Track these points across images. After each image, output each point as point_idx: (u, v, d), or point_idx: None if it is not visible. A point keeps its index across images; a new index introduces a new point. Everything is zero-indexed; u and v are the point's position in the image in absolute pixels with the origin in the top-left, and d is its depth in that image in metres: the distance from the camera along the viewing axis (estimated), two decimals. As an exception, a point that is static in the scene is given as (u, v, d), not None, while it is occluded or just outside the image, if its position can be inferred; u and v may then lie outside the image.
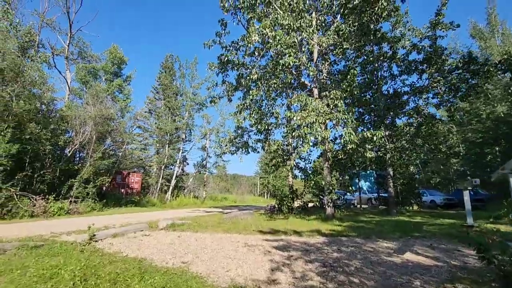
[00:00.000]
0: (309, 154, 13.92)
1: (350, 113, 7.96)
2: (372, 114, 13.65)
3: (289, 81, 11.11)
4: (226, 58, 11.25)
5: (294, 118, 7.80)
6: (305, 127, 7.48)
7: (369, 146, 8.09)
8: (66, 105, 14.83)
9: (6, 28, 14.86)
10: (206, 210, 16.86)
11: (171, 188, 25.56)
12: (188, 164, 31.53)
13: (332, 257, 5.09)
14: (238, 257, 5.05)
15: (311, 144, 7.74)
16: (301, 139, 8.26)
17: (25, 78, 11.78)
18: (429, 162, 13.53)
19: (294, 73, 11.37)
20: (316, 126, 7.47)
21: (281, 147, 12.38)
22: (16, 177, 11.26)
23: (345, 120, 7.66)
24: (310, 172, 12.34)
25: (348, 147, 7.40)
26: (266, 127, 11.16)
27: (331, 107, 8.10)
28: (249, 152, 13.93)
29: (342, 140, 7.61)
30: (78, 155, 15.68)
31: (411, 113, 12.68)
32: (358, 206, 21.03)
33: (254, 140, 12.77)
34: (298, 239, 6.72)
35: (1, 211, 10.35)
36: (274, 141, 12.47)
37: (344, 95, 8.81)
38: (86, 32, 27.18)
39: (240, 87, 12.08)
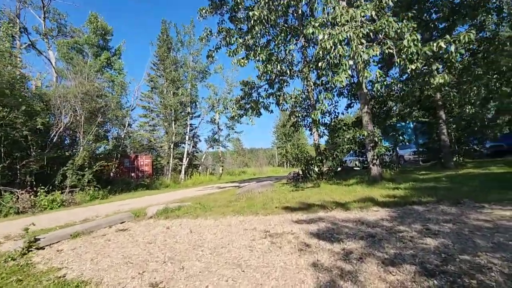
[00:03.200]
0: (335, 106, 11.22)
1: (404, 20, 5.17)
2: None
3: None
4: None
5: (321, 38, 5.15)
6: (340, 47, 4.87)
7: (439, 66, 5.30)
8: (37, 83, 12.71)
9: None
10: (221, 186, 14.88)
11: (183, 167, 23.86)
12: (200, 140, 29.68)
13: (426, 247, 2.72)
14: (254, 262, 2.81)
15: (345, 78, 5.09)
16: (330, 72, 5.62)
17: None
18: (491, 99, 10.53)
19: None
20: (355, 43, 4.82)
21: (300, 99, 9.79)
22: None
23: (398, 30, 4.89)
24: (339, 126, 9.75)
25: (409, 68, 4.71)
26: (279, 74, 8.52)
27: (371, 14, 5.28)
28: (260, 113, 11.43)
29: (398, 62, 4.87)
30: (67, 140, 13.81)
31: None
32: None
33: (265, 95, 10.16)
34: (346, 215, 4.38)
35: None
36: (290, 94, 9.86)
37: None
38: (60, 1, 23.66)
39: (239, 28, 9.32)
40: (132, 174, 21.47)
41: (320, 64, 5.52)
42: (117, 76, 18.29)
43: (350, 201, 5.22)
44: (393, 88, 8.11)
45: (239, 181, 21.02)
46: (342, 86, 5.29)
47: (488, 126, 11.18)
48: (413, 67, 4.62)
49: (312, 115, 5.41)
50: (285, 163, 60.70)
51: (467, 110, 10.52)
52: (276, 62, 8.61)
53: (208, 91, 40.31)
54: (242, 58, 9.24)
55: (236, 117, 11.94)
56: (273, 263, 2.74)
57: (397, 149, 20.74)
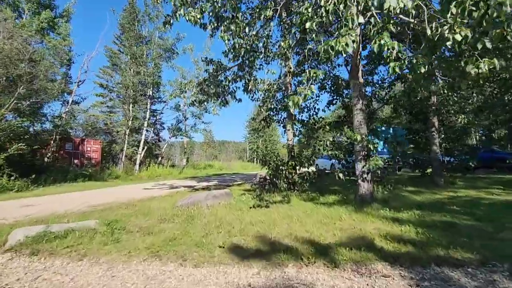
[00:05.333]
0: (315, 100, 9.37)
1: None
2: None
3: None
4: None
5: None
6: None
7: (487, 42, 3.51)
8: None
9: None
10: (174, 184, 12.57)
11: (139, 157, 21.00)
12: (164, 128, 26.75)
13: None
14: None
15: (352, 42, 3.05)
16: (323, 37, 3.62)
17: None
18: (485, 109, 9.41)
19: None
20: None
21: (274, 87, 7.82)
22: None
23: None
24: (319, 125, 7.93)
25: (451, 39, 2.91)
26: (250, 50, 6.41)
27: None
28: (226, 102, 9.28)
29: (433, 30, 3.01)
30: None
31: None
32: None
33: (231, 78, 7.98)
34: (334, 282, 2.46)
35: None
36: (263, 79, 7.85)
37: None
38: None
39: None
40: (76, 161, 18.31)
41: (308, 24, 3.53)
42: (61, 41, 15.00)
43: (336, 244, 3.33)
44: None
45: (201, 177, 18.76)
46: (344, 55, 3.30)
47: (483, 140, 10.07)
48: (461, 36, 2.81)
49: (290, 102, 3.39)
50: (255, 159, 59.19)
51: (460, 120, 9.23)
52: (248, 36, 6.51)
53: (174, 73, 37.10)
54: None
55: (197, 103, 9.65)
56: None
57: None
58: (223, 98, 9.28)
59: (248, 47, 6.16)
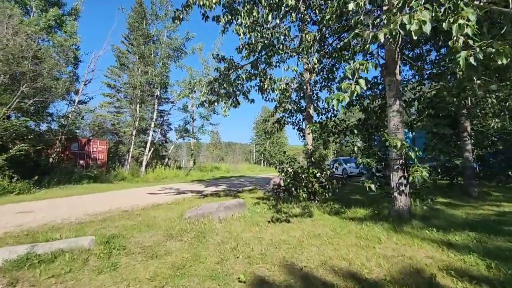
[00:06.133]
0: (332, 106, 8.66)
1: None
2: None
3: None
4: None
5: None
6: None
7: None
8: None
9: None
10: (181, 188, 11.97)
11: (145, 158, 20.52)
12: (171, 129, 26.27)
13: None
14: None
15: (430, 18, 2.30)
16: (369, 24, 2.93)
17: None
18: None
19: None
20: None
21: (292, 86, 7.12)
22: None
23: None
24: (339, 128, 7.19)
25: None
26: (267, 46, 5.76)
27: None
28: (238, 102, 8.63)
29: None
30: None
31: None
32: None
33: (245, 77, 7.31)
34: None
35: None
36: (280, 77, 7.16)
37: None
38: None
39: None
40: (81, 162, 17.94)
41: (352, 5, 2.81)
42: (67, 39, 14.62)
43: (385, 280, 2.63)
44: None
45: (208, 180, 18.16)
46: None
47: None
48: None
49: (334, 100, 2.65)
50: (262, 161, 58.44)
51: (493, 124, 8.39)
52: (265, 30, 5.86)
53: (182, 73, 36.75)
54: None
55: (206, 104, 9.01)
56: None
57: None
58: (234, 99, 8.66)
59: (266, 41, 5.50)
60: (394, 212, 4.67)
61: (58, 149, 15.51)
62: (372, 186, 4.78)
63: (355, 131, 6.25)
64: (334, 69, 8.13)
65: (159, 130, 23.44)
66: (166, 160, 25.07)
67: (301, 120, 9.70)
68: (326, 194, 5.81)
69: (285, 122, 9.42)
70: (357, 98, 9.47)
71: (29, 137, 11.98)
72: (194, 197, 8.84)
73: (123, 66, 23.53)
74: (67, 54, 13.13)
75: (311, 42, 4.99)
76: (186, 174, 22.49)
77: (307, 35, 5.00)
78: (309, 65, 6.75)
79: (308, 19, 7.71)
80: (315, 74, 6.30)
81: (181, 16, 8.01)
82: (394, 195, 4.64)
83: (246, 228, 4.51)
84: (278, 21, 6.04)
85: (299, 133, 9.20)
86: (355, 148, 5.22)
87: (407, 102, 9.31)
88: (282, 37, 5.71)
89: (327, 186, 5.91)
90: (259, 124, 58.01)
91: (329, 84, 9.35)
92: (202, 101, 8.81)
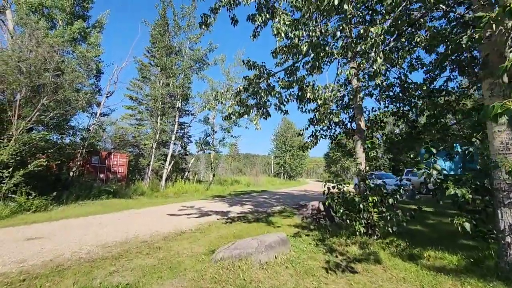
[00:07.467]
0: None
1: None
2: None
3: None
4: None
5: None
6: None
7: None
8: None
9: None
10: (204, 207, 11.00)
11: (165, 171, 19.89)
12: (191, 142, 25.70)
13: None
14: None
15: None
16: None
17: None
18: None
19: None
20: None
21: (338, 93, 6.05)
22: None
23: None
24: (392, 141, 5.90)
25: None
26: (314, 45, 4.76)
27: None
28: (268, 114, 7.64)
29: None
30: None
31: None
32: (418, 197, 14.75)
33: (282, 84, 6.34)
34: None
35: None
36: (326, 84, 6.11)
37: None
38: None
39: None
40: (101, 176, 17.56)
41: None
42: (88, 51, 14.42)
43: None
44: None
45: (230, 196, 17.16)
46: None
47: None
48: None
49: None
50: (282, 173, 56.94)
51: None
52: (312, 27, 4.88)
53: (203, 85, 36.69)
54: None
55: (234, 117, 8.04)
56: None
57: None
58: (264, 110, 7.68)
59: (315, 40, 4.50)
60: (506, 264, 3.38)
61: (79, 163, 15.15)
62: (467, 225, 3.54)
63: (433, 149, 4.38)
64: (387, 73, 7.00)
65: (180, 142, 22.88)
66: (186, 173, 24.40)
67: (340, 134, 8.56)
68: (389, 229, 4.58)
69: (322, 136, 8.29)
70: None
71: (50, 151, 11.58)
72: (220, 221, 7.79)
73: (145, 79, 23.44)
74: (89, 65, 12.80)
75: (378, 39, 3.90)
76: (206, 188, 21.64)
77: (372, 28, 3.95)
78: (366, 69, 5.66)
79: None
80: (379, 80, 5.18)
81: (208, 21, 7.27)
82: (505, 241, 3.37)
83: (300, 280, 3.37)
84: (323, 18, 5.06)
85: (338, 148, 8.04)
86: (434, 172, 3.93)
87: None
88: (339, 33, 4.72)
89: (388, 218, 4.69)
90: (279, 136, 56.88)
91: (370, 91, 8.21)
92: (229, 113, 7.89)
